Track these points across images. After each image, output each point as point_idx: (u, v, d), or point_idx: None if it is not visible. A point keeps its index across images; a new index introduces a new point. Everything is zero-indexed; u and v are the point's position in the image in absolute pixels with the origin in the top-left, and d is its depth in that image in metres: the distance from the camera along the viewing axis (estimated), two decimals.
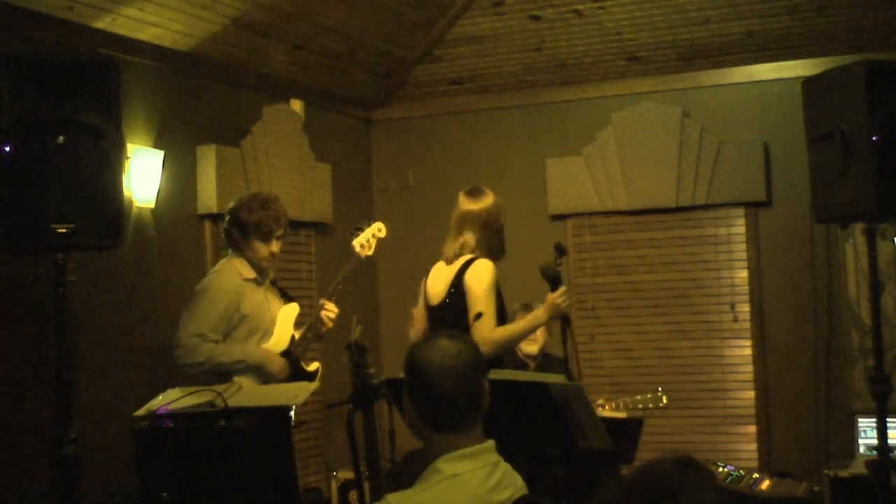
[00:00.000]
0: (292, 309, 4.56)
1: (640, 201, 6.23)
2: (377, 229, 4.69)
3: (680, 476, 1.79)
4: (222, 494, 3.21)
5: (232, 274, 4.37)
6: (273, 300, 4.54)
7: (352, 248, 4.61)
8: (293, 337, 4.52)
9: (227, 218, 4.44)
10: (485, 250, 4.23)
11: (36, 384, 4.11)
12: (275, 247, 4.42)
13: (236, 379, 4.19)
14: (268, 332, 4.44)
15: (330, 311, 4.50)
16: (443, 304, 4.22)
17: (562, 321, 4.10)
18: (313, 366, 4.61)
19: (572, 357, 3.98)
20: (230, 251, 4.47)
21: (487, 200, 4.30)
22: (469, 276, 4.13)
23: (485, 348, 3.56)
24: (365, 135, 6.93)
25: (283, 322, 4.50)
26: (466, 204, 4.30)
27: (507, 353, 4.51)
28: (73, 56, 3.87)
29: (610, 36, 6.05)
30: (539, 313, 4.10)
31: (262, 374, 4.34)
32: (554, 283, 4.03)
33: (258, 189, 5.41)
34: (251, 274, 4.40)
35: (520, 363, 5.30)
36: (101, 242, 3.61)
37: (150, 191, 4.81)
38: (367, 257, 4.68)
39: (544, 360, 5.34)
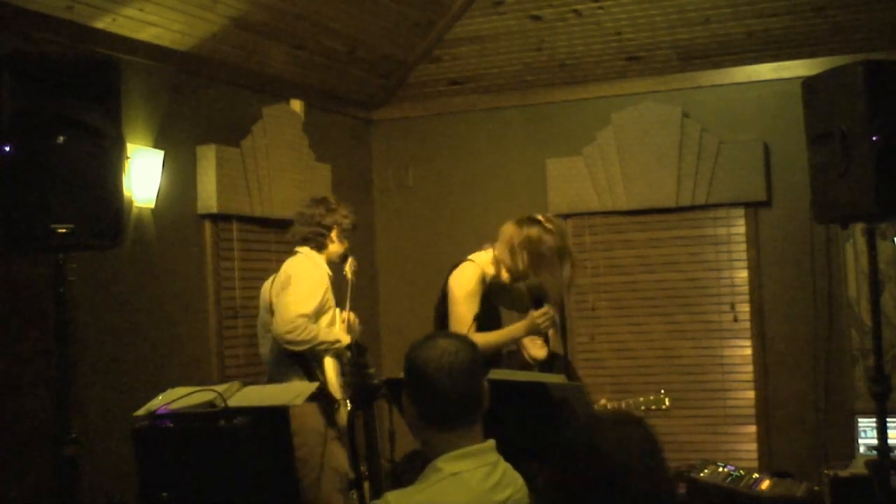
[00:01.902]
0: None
1: (640, 201, 6.23)
2: (354, 264, 4.89)
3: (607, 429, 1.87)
4: (222, 494, 3.20)
5: (322, 267, 4.69)
6: None
7: (345, 275, 4.89)
8: None
9: (326, 221, 4.71)
10: (505, 267, 4.22)
11: (36, 384, 4.11)
12: None
13: (326, 359, 4.57)
14: (336, 326, 4.77)
15: (355, 320, 4.85)
16: (436, 305, 4.26)
17: (544, 338, 4.14)
18: None
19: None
20: (308, 250, 4.71)
21: (529, 231, 4.20)
22: (451, 280, 4.16)
23: None
24: (365, 135, 6.93)
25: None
26: (508, 226, 4.26)
27: (511, 355, 4.53)
28: (73, 56, 3.87)
29: (610, 36, 6.05)
30: (519, 327, 4.13)
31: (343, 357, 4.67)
32: (537, 302, 4.05)
33: (258, 189, 5.45)
34: (329, 271, 4.73)
35: (525, 364, 5.29)
36: (101, 242, 3.61)
37: (150, 191, 4.81)
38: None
39: (549, 358, 5.33)
